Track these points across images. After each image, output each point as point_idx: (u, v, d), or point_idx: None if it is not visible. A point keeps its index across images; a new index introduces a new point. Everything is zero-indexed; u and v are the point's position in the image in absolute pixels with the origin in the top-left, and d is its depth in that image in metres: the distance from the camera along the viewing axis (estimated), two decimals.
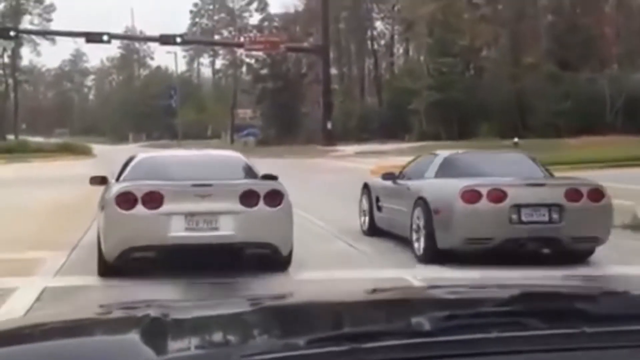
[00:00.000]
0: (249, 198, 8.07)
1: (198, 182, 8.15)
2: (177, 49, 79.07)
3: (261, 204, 8.10)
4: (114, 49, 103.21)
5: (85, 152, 45.27)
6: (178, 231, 7.93)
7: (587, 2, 56.08)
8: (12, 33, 44.93)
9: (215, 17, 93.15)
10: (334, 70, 65.13)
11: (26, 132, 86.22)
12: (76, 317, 2.04)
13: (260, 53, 63.09)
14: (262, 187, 8.31)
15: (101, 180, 9.21)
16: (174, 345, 1.61)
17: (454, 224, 8.72)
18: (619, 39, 53.16)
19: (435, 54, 52.73)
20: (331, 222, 12.07)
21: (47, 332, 1.81)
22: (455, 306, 1.92)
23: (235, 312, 1.98)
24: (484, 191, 8.69)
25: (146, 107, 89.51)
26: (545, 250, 9.12)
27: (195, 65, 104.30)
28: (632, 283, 7.94)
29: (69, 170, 28.32)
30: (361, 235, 11.15)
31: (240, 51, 69.60)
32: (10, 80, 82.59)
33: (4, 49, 78.78)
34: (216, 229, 8.02)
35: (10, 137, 68.06)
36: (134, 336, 1.64)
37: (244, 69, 78.01)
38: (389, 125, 54.97)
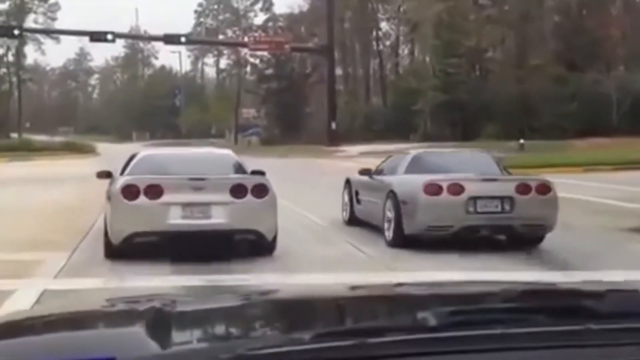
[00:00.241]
0: (238, 190, 9.10)
1: (193, 176, 9.23)
2: (182, 48, 79.19)
3: (249, 195, 9.12)
4: (118, 49, 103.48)
5: (89, 151, 45.02)
6: (176, 219, 8.96)
7: (593, 4, 55.86)
8: (16, 32, 44.78)
9: (220, 17, 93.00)
10: (338, 71, 64.98)
11: (30, 130, 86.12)
12: (81, 309, 2.06)
13: (264, 53, 62.98)
14: (250, 181, 9.39)
15: (107, 175, 10.34)
16: (178, 338, 1.64)
17: (418, 213, 9.90)
18: (625, 40, 52.94)
19: (441, 55, 52.52)
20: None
21: (53, 324, 1.83)
22: (460, 302, 1.90)
23: (240, 305, 1.99)
24: (444, 185, 9.88)
25: (150, 106, 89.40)
26: (501, 237, 10.30)
27: (199, 65, 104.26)
28: None
29: (72, 169, 28.17)
30: (343, 225, 12.34)
31: (244, 51, 69.46)
32: (15, 79, 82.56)
33: (8, 48, 78.76)
34: (209, 217, 9.06)
35: (15, 135, 67.98)
36: (139, 329, 1.64)
37: (248, 69, 77.92)
38: (393, 126, 54.76)
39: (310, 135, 58.17)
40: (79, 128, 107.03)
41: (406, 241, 9.96)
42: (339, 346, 1.41)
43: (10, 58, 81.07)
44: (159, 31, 50.69)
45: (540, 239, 10.11)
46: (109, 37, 48.25)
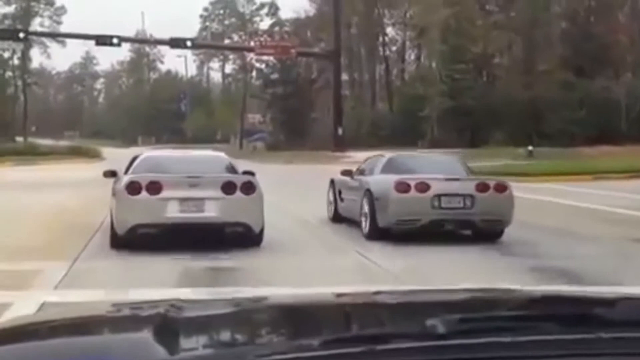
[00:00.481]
0: (228, 187, 10.19)
1: (189, 174, 10.38)
2: (187, 53, 79.09)
3: (238, 192, 10.19)
4: (124, 53, 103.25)
5: (95, 155, 44.76)
6: (173, 212, 10.07)
7: (600, 10, 55.57)
8: (21, 35, 44.63)
9: (226, 22, 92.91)
10: (344, 76, 64.61)
11: (36, 134, 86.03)
12: (87, 314, 2.04)
13: (270, 58, 62.75)
14: (239, 179, 10.53)
15: (112, 174, 11.51)
16: (186, 344, 1.62)
17: (389, 208, 11.12)
18: (634, 46, 52.58)
19: (448, 61, 52.21)
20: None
21: (59, 329, 1.82)
22: (469, 309, 1.89)
23: (247, 311, 1.98)
24: (412, 183, 11.15)
25: (156, 110, 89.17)
26: (466, 232, 11.43)
27: (205, 69, 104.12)
28: None
29: (76, 173, 27.91)
30: (329, 222, 13.56)
31: (250, 56, 69.25)
32: (20, 82, 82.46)
33: (14, 51, 78.66)
34: (203, 211, 10.11)
35: (20, 139, 67.86)
36: (146, 335, 1.62)
37: (253, 73, 77.70)
38: (400, 132, 54.43)
39: (315, 140, 57.86)
40: (85, 132, 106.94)
41: (380, 233, 11.18)
42: (347, 353, 1.41)
43: (16, 62, 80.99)
44: (165, 35, 50.49)
45: (499, 233, 11.24)
46: (115, 40, 48.08)
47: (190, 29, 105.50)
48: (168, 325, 1.68)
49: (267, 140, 69.44)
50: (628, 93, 44.91)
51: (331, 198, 13.81)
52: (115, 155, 42.30)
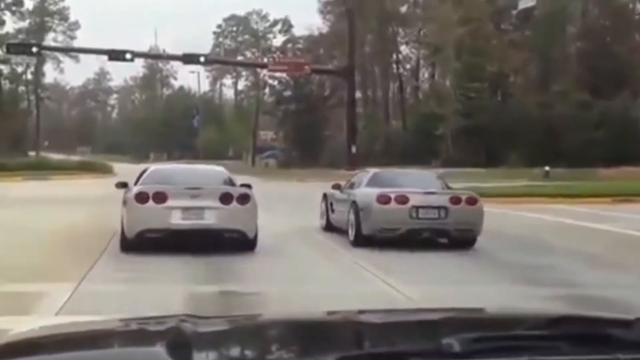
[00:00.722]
0: (225, 198, 11.34)
1: (191, 186, 11.52)
2: (200, 69, 78.95)
3: (234, 202, 11.33)
4: (137, 68, 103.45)
5: (106, 171, 44.41)
6: (177, 219, 11.21)
7: (617, 30, 55.04)
8: (34, 49, 44.53)
9: (239, 39, 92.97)
10: (357, 94, 64.29)
11: (49, 149, 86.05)
12: (102, 327, 2.04)
13: (283, 74, 62.49)
14: (236, 191, 11.70)
15: (123, 185, 12.50)
16: (199, 358, 1.63)
17: (372, 218, 12.35)
18: None
19: (463, 79, 51.73)
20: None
21: (72, 341, 1.82)
22: (486, 328, 1.88)
23: (260, 327, 2.00)
24: (392, 196, 12.36)
25: (168, 126, 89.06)
26: (442, 240, 12.50)
27: (217, 86, 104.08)
28: None
29: (86, 189, 27.54)
30: (321, 231, 14.84)
31: (263, 72, 69.03)
32: (33, 97, 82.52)
33: (27, 66, 78.78)
34: (202, 218, 11.26)
35: (32, 154, 67.75)
36: (159, 349, 1.64)
37: (266, 90, 77.52)
38: (413, 150, 53.92)
39: (328, 158, 57.43)
40: (97, 147, 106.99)
41: (364, 240, 12.33)
42: None
43: (29, 76, 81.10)
44: (178, 52, 50.27)
45: (471, 241, 12.35)
46: (128, 56, 47.87)
47: (203, 45, 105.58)
48: (181, 339, 1.68)
49: (279, 157, 69.07)
50: None
51: (323, 209, 15.12)
52: (127, 171, 41.93)
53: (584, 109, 47.26)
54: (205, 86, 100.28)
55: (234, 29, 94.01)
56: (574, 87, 50.21)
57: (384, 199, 12.33)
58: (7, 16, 74.69)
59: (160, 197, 11.22)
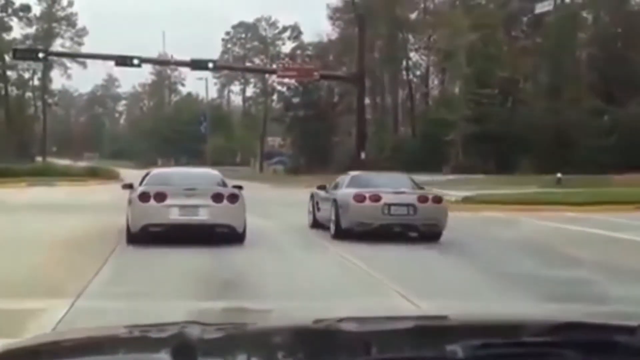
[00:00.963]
0: (217, 197, 12.95)
1: (188, 187, 13.15)
2: (209, 75, 78.48)
3: (225, 201, 12.93)
4: (145, 75, 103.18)
5: (112, 177, 44.01)
6: (175, 216, 12.80)
7: (629, 36, 54.43)
8: (40, 55, 44.18)
9: (248, 46, 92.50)
10: (366, 100, 63.79)
11: (56, 155, 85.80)
12: (106, 334, 2.03)
13: (292, 81, 62.04)
14: (226, 191, 13.33)
15: (129, 186, 14.01)
16: None
17: (349, 214, 14.03)
18: None
19: (474, 85, 51.18)
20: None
21: (77, 349, 1.82)
22: (490, 334, 1.85)
23: (266, 334, 1.99)
24: (367, 195, 14.03)
25: (175, 132, 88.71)
26: (412, 234, 14.13)
27: (225, 92, 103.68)
28: None
29: (89, 196, 27.08)
30: (308, 228, 16.40)
31: (271, 79, 68.65)
32: (40, 103, 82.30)
33: (34, 72, 78.56)
34: (197, 215, 12.83)
35: (40, 159, 67.49)
36: (163, 356, 1.64)
37: (274, 96, 77.10)
38: (422, 157, 53.37)
39: (337, 164, 56.88)
40: (105, 153, 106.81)
41: (343, 234, 13.99)
42: None
43: (37, 82, 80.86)
44: (186, 58, 49.83)
45: (437, 235, 13.94)
46: (135, 61, 47.39)
47: (211, 52, 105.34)
48: (182, 347, 1.68)
49: (287, 163, 68.65)
50: None
51: (310, 208, 16.65)
52: (133, 178, 41.37)
53: (595, 116, 46.65)
54: (213, 93, 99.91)
55: (243, 35, 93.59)
56: (585, 94, 49.61)
57: (359, 198, 13.99)
58: (15, 22, 74.59)
59: (160, 197, 12.79)
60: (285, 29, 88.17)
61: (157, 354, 1.72)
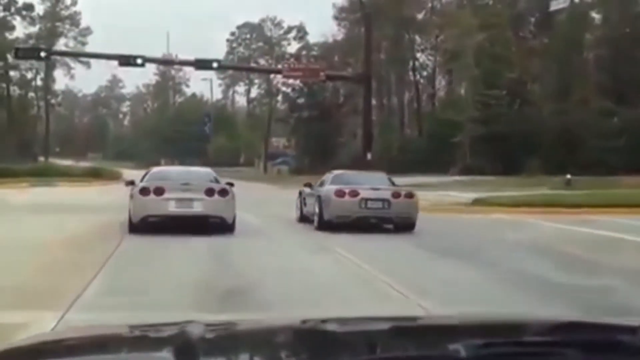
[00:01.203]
0: (209, 192, 14.45)
1: (183, 182, 14.70)
2: (213, 76, 78.06)
3: (216, 195, 14.45)
4: (150, 76, 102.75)
5: (114, 177, 43.42)
6: (172, 208, 14.27)
7: (638, 37, 53.73)
8: (42, 54, 43.54)
9: (253, 46, 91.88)
10: (372, 101, 63.16)
11: (60, 155, 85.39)
12: (108, 333, 2.01)
13: (297, 82, 61.47)
14: (218, 186, 14.85)
15: (131, 182, 15.49)
16: None
17: (330, 208, 15.61)
18: None
19: (481, 86, 50.55)
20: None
21: (79, 347, 1.82)
22: (492, 334, 1.86)
23: (268, 332, 1.99)
24: (347, 191, 15.63)
25: (180, 133, 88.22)
26: (388, 226, 15.75)
27: (230, 93, 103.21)
28: None
29: (89, 196, 26.53)
30: (296, 222, 18.06)
31: (276, 80, 68.10)
32: (43, 103, 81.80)
33: (37, 72, 78.02)
34: (192, 207, 14.32)
35: (42, 159, 67.02)
36: (166, 354, 1.63)
37: (279, 97, 76.53)
38: (428, 158, 52.81)
39: (341, 165, 56.16)
40: (109, 154, 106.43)
41: (325, 225, 15.53)
42: None
43: (39, 82, 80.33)
44: (191, 58, 49.27)
45: (411, 227, 15.54)
46: (139, 61, 46.77)
47: (216, 54, 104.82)
48: (185, 346, 1.68)
49: (291, 164, 68.15)
50: None
51: (298, 204, 18.21)
52: (136, 178, 40.69)
53: (604, 117, 46.01)
54: (217, 94, 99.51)
55: (248, 36, 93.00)
56: (594, 95, 48.97)
57: (339, 193, 15.60)
58: (17, 21, 74.04)
59: (159, 191, 14.29)
60: (290, 29, 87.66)
61: (159, 353, 1.73)
